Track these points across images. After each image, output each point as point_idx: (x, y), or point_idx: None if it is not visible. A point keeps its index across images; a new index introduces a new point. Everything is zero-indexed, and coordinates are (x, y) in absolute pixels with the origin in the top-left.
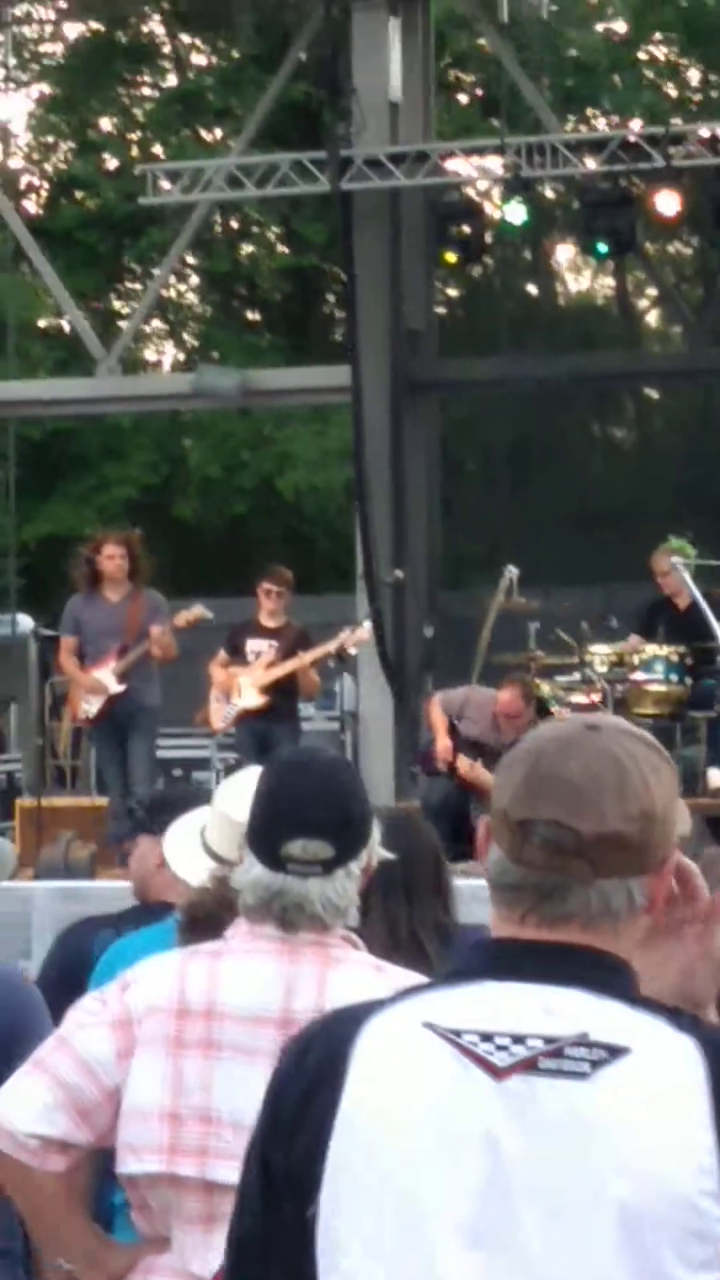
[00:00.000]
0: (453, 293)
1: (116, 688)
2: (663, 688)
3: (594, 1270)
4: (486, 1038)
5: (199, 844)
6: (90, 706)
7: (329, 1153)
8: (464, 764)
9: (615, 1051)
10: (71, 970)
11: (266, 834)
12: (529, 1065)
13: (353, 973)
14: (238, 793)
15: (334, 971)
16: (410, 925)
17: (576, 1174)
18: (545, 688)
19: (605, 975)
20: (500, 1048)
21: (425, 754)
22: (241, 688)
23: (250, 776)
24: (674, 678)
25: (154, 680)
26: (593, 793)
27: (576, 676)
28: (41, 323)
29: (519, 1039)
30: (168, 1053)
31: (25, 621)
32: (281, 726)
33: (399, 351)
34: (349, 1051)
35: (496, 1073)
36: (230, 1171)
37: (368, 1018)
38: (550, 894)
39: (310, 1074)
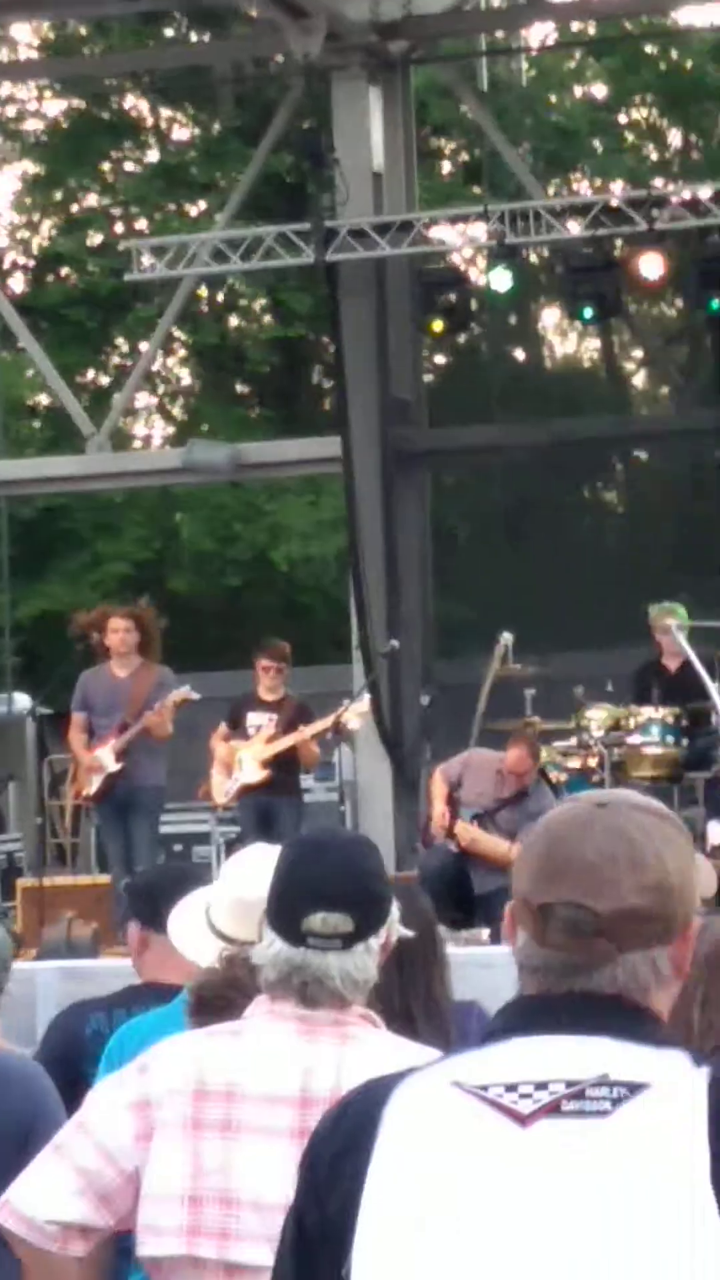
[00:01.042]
0: (440, 360)
1: (114, 766)
2: (659, 750)
3: None
4: (511, 1088)
5: (205, 924)
6: (90, 785)
7: (361, 1212)
8: (461, 830)
9: (635, 1088)
10: (64, 1054)
11: (287, 908)
12: (552, 1109)
13: (370, 1051)
14: (243, 871)
15: (352, 1050)
16: (403, 998)
17: (605, 1213)
18: (543, 753)
19: (631, 1024)
20: (524, 1096)
21: (425, 827)
22: (242, 762)
23: (255, 854)
24: (670, 739)
25: (158, 758)
26: (607, 871)
27: (573, 741)
28: (29, 401)
29: (542, 1085)
30: (186, 1135)
31: (22, 700)
32: (283, 800)
33: (388, 421)
34: (381, 1113)
35: (521, 1120)
36: (250, 1252)
37: (400, 1081)
38: (577, 971)
39: (344, 1136)
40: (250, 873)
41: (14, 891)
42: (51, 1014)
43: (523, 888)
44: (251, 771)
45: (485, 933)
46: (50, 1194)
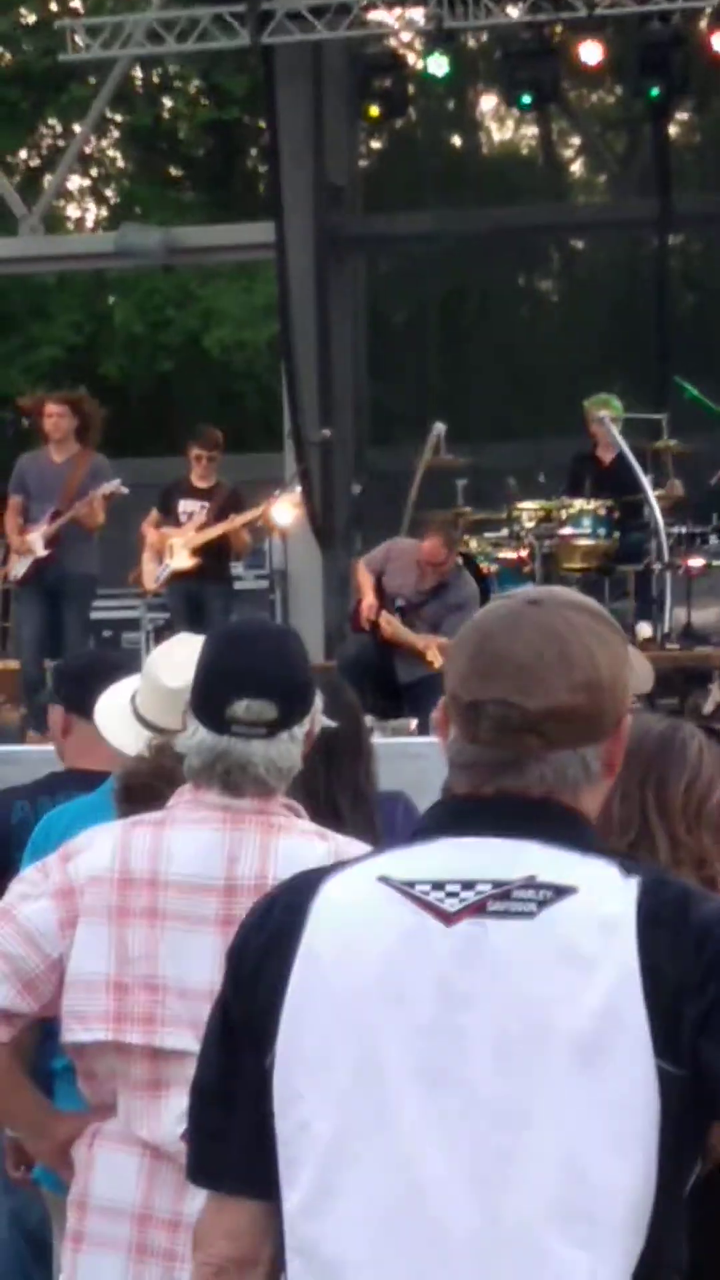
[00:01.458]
0: (376, 145)
1: (42, 551)
2: (590, 542)
3: (548, 1102)
4: (438, 886)
5: (130, 712)
6: (18, 568)
7: (286, 1002)
8: (385, 621)
9: (561, 891)
10: None
11: (211, 696)
12: (478, 909)
13: (296, 840)
14: (169, 660)
15: (277, 839)
16: (329, 789)
17: (524, 1011)
18: (474, 544)
19: (560, 827)
20: (450, 894)
21: (354, 614)
22: (173, 549)
23: (181, 643)
24: (601, 532)
25: (90, 547)
26: (537, 668)
27: (504, 532)
28: None
29: (469, 885)
30: (112, 922)
31: None
32: (213, 587)
33: (323, 207)
34: (308, 906)
35: (446, 918)
36: (177, 1038)
37: (328, 876)
38: (506, 768)
39: (271, 929)
40: (176, 661)
41: None
42: None
43: (454, 685)
44: (182, 558)
45: (413, 723)
46: None
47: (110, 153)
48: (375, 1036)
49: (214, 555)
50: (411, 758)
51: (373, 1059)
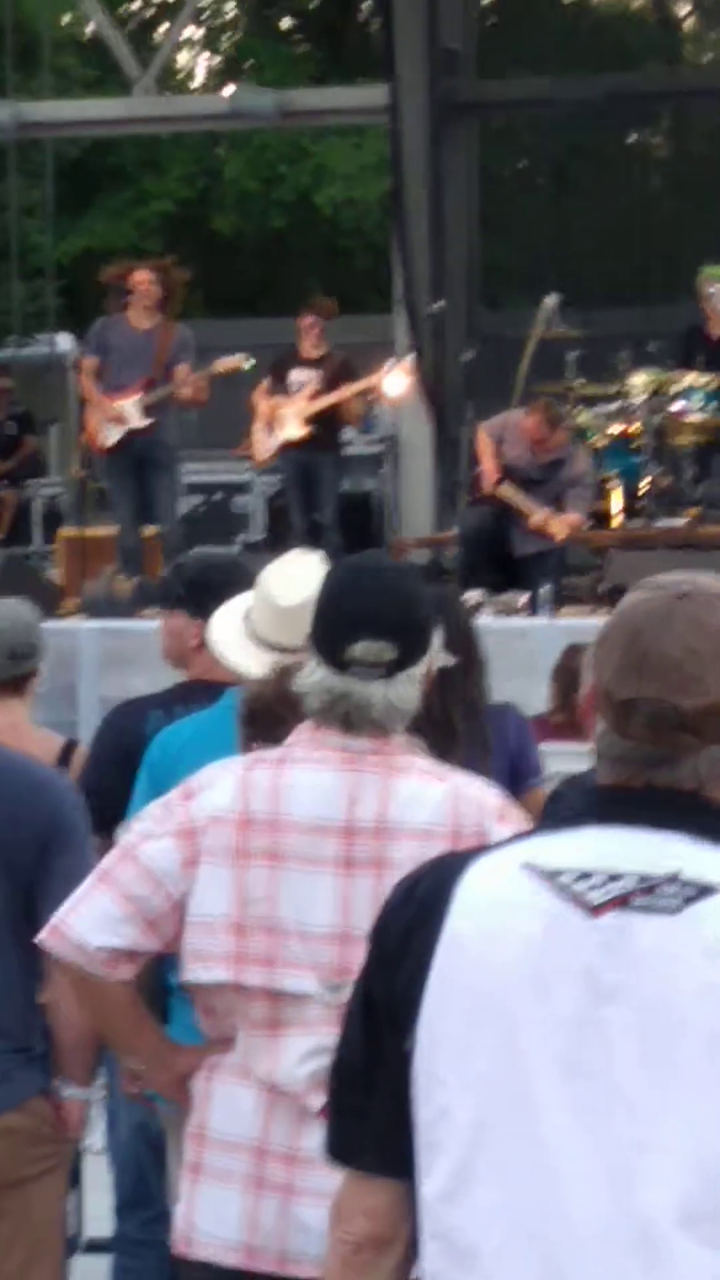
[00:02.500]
0: (487, 3)
1: (140, 422)
2: (700, 417)
3: (685, 1098)
4: (584, 876)
5: (245, 631)
6: (109, 435)
7: (428, 986)
8: (504, 491)
9: (706, 890)
10: (124, 752)
11: (330, 635)
12: (622, 902)
13: (415, 781)
14: (283, 577)
15: (396, 780)
16: (443, 704)
17: (666, 1006)
18: (583, 417)
19: (710, 821)
20: (596, 886)
21: (474, 482)
22: (284, 419)
23: (292, 561)
24: (712, 406)
25: (176, 418)
26: (691, 666)
27: (615, 406)
28: (75, 35)
29: (615, 877)
30: (232, 863)
31: (64, 341)
32: (324, 456)
33: (437, 70)
34: (452, 889)
35: (592, 909)
36: (296, 980)
37: (473, 859)
38: (658, 764)
39: (415, 909)
40: (290, 579)
41: (55, 538)
42: (93, 674)
43: (605, 681)
44: (293, 428)
45: (523, 598)
46: (99, 920)
47: (224, 5)
48: (517, 1025)
49: (325, 424)
50: (520, 636)
51: (513, 1048)
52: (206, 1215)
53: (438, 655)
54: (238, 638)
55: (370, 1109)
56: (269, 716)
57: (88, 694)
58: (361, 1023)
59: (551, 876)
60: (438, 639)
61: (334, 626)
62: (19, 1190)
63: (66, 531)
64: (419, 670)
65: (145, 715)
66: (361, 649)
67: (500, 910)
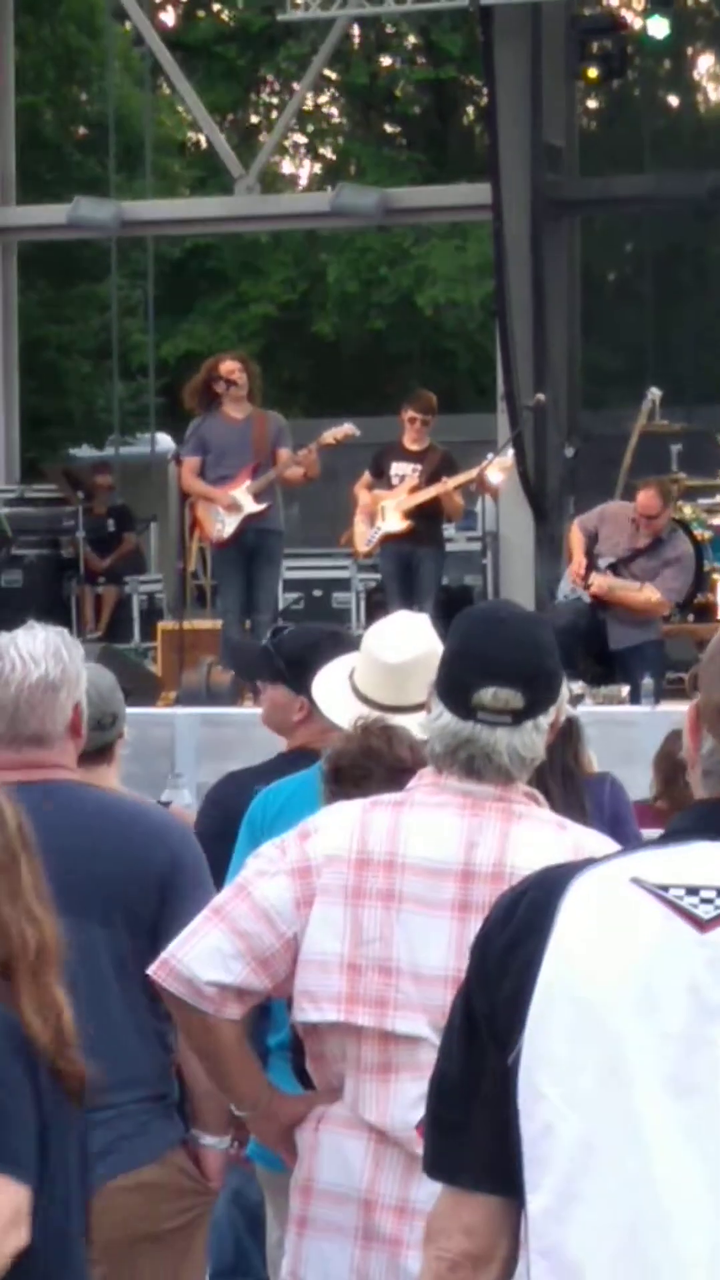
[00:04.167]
0: (592, 105)
1: (255, 507)
2: None
3: None
4: (692, 891)
5: (349, 689)
6: (225, 526)
7: (532, 1001)
8: (597, 580)
9: None
10: (228, 825)
11: (458, 681)
12: None
13: (535, 828)
14: (388, 636)
15: (516, 826)
16: (539, 771)
17: None
18: (687, 510)
19: None
20: (705, 901)
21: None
22: (385, 511)
23: (398, 620)
24: None
25: (280, 504)
26: None
27: (717, 499)
28: (179, 139)
29: None
30: (347, 903)
31: (165, 441)
32: (425, 549)
33: (539, 168)
34: (557, 904)
35: (701, 925)
36: (409, 1023)
37: (578, 873)
38: None
39: (518, 924)
40: (396, 638)
41: (154, 633)
42: (190, 759)
43: (713, 696)
44: (394, 521)
45: (624, 690)
46: (210, 955)
47: (326, 109)
48: (623, 1041)
49: (426, 518)
50: (622, 725)
51: (619, 1064)
52: (314, 1270)
53: (565, 706)
54: (341, 694)
55: (471, 1124)
56: (355, 772)
57: (186, 781)
58: (462, 1037)
59: (659, 891)
60: (565, 690)
61: (463, 672)
62: (160, 1245)
63: (166, 625)
64: (545, 720)
65: (248, 788)
66: (490, 696)
67: (606, 925)
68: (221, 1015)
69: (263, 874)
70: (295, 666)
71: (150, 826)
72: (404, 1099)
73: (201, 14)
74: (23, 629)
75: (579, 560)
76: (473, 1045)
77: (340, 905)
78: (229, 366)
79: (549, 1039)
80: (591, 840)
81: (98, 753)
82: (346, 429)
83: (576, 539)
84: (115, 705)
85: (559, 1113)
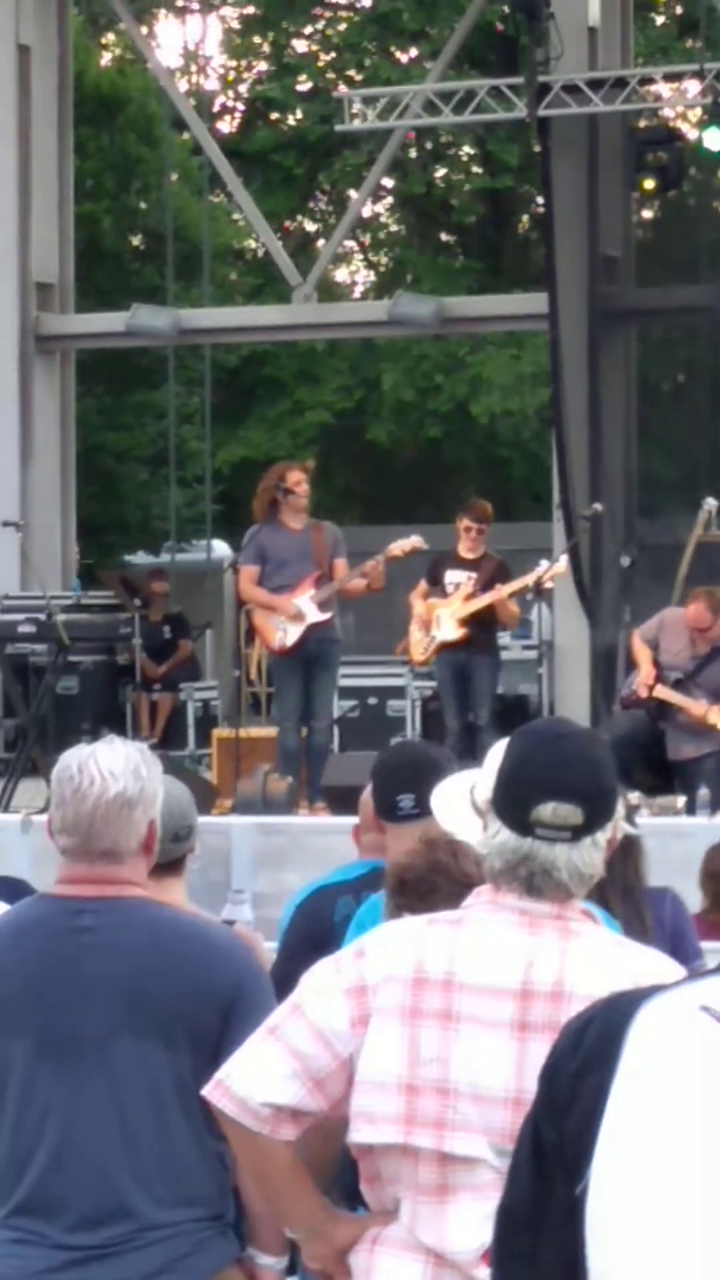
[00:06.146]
0: (648, 216)
1: (319, 616)
2: None
3: None
4: None
5: (468, 799)
6: (287, 634)
7: (600, 1132)
8: (660, 689)
9: None
10: (315, 940)
11: (516, 797)
12: None
13: (593, 947)
14: None
15: (574, 944)
16: (598, 885)
17: None
18: None
19: None
20: None
21: (627, 695)
22: (440, 620)
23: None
24: None
25: (338, 613)
26: None
27: None
28: (236, 246)
29: None
30: (404, 1022)
31: (221, 548)
32: (481, 658)
33: (596, 278)
34: (625, 1032)
35: None
36: (467, 1144)
37: (646, 1000)
38: None
39: (586, 1052)
40: None
41: (210, 741)
42: (246, 868)
43: None
44: (450, 629)
45: (681, 801)
46: (264, 1076)
47: (382, 218)
48: (694, 1174)
49: (481, 626)
50: (679, 837)
51: (691, 1197)
52: None
53: (621, 823)
54: (459, 805)
55: (538, 1254)
56: (421, 886)
57: (246, 896)
58: (530, 1166)
59: None
60: (621, 807)
61: (521, 788)
62: None
63: (221, 733)
64: (604, 836)
65: (335, 902)
66: (549, 812)
67: (675, 1055)
68: (276, 1137)
69: (318, 993)
70: (382, 792)
71: (215, 948)
72: (462, 1221)
73: (260, 124)
74: (103, 742)
75: (647, 670)
76: (540, 1175)
77: (397, 1025)
78: (296, 477)
79: (618, 1170)
80: (649, 960)
81: (170, 865)
82: (414, 541)
83: (641, 649)
84: (192, 819)
85: (629, 1245)
